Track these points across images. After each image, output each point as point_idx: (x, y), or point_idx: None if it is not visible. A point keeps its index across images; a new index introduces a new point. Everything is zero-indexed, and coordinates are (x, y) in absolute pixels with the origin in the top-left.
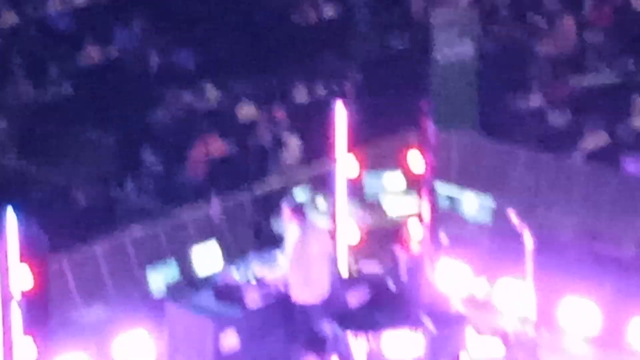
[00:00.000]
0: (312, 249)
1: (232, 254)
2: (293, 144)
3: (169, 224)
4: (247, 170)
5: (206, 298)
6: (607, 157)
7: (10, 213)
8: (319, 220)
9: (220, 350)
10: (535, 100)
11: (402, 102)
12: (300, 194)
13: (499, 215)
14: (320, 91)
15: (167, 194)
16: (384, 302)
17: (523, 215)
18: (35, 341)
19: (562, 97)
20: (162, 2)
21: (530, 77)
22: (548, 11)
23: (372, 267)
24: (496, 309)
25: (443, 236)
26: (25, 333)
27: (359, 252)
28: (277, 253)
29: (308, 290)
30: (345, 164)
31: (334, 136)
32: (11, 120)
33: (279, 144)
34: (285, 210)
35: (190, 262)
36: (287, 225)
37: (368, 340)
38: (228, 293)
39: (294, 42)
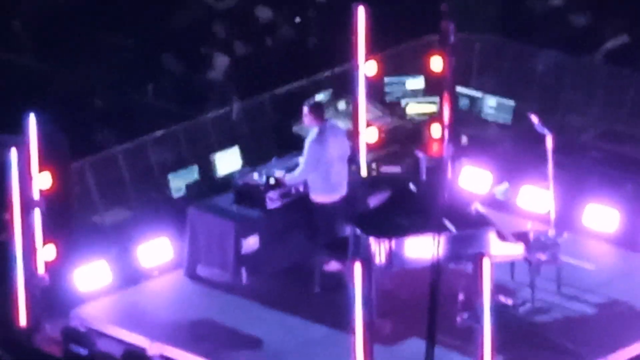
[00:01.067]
0: (331, 149)
1: (253, 157)
2: (311, 46)
3: (189, 127)
4: (269, 71)
5: (227, 200)
6: (628, 58)
7: (31, 118)
8: (339, 121)
9: (241, 251)
10: (556, 1)
11: (423, 5)
12: (321, 96)
13: (519, 116)
14: None
15: (188, 97)
16: (405, 204)
17: (544, 117)
18: (57, 246)
19: None
20: None
21: None
22: None
23: (392, 168)
24: (517, 210)
25: (463, 137)
26: (47, 237)
27: (378, 152)
28: (298, 157)
29: (327, 190)
30: (365, 66)
31: (355, 39)
32: (26, 22)
33: (299, 44)
34: (305, 110)
35: (211, 166)
36: (307, 126)
37: (390, 245)
38: (248, 195)
39: None
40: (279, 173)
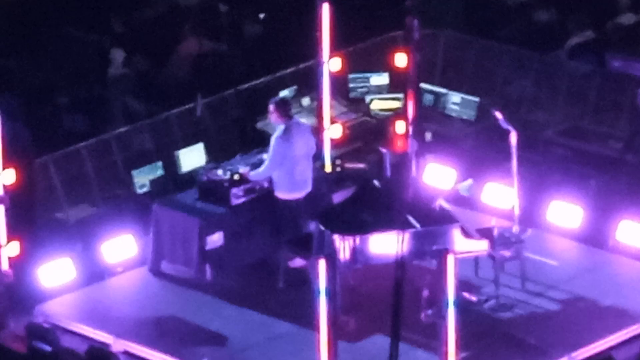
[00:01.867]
0: (297, 147)
1: (217, 153)
2: (276, 42)
3: (153, 124)
4: (233, 67)
5: (191, 196)
6: (592, 54)
7: None
8: (304, 117)
9: (205, 248)
10: None
11: (387, 1)
12: (286, 92)
13: (483, 112)
14: None
15: (152, 94)
16: (369, 200)
17: (508, 113)
18: (21, 242)
19: None
20: None
21: None
22: None
23: (356, 164)
24: (481, 207)
25: (427, 133)
26: (11, 234)
27: (343, 148)
28: (262, 153)
29: (292, 188)
30: (330, 62)
31: (320, 35)
32: None
33: (264, 41)
34: (271, 107)
35: (175, 162)
36: (274, 123)
37: (354, 241)
38: (212, 191)
39: None
40: (243, 169)
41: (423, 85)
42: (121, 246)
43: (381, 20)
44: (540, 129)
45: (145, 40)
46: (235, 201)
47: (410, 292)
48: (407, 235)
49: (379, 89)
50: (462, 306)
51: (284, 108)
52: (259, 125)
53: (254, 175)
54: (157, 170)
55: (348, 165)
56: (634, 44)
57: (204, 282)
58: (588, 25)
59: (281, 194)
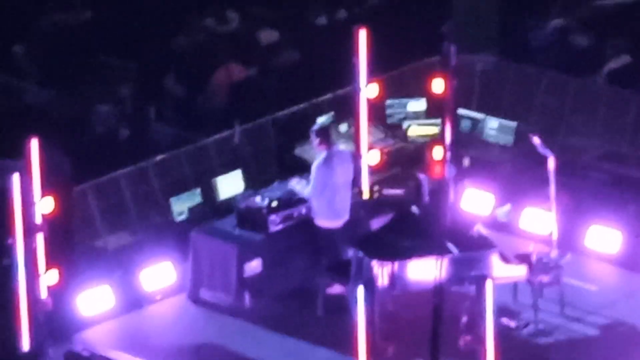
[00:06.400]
0: (338, 175)
1: (255, 180)
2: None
3: (192, 151)
4: (270, 94)
5: (229, 223)
6: (629, 79)
7: (34, 143)
8: (341, 144)
9: (244, 275)
10: (557, 23)
11: (424, 27)
12: (323, 118)
13: (521, 137)
14: (342, 15)
15: (190, 121)
16: (407, 226)
17: (546, 138)
18: (59, 270)
19: (584, 18)
20: None
21: None
22: None
23: (394, 190)
24: (519, 232)
25: (465, 159)
26: (50, 262)
27: (380, 175)
28: (300, 180)
29: (332, 216)
30: (367, 89)
31: (357, 62)
32: (29, 48)
33: (300, 67)
34: (313, 135)
35: (213, 190)
36: (315, 150)
37: (393, 267)
38: (250, 218)
39: None
40: (294, 182)
41: (460, 110)
42: (160, 274)
43: (418, 46)
44: (578, 154)
45: (182, 68)
46: (273, 228)
47: (448, 318)
48: (445, 261)
49: (416, 115)
50: (501, 332)
51: (325, 136)
52: (297, 152)
53: (304, 190)
54: (195, 197)
55: (386, 191)
56: None
57: (243, 309)
58: (625, 49)
59: (321, 222)
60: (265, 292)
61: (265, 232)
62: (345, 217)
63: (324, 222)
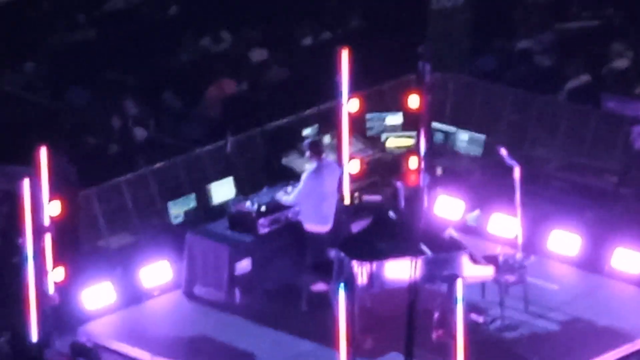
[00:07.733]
0: (327, 184)
1: (246, 187)
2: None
3: (187, 159)
4: (260, 108)
5: (221, 226)
6: (588, 96)
7: (42, 151)
8: (325, 154)
9: (234, 273)
10: (523, 44)
11: (401, 48)
12: (308, 130)
13: (489, 149)
14: (326, 36)
15: (186, 132)
16: (385, 230)
17: (512, 150)
18: (65, 268)
19: (548, 41)
20: None
21: (518, 22)
22: None
23: (373, 197)
24: (487, 235)
25: (438, 168)
26: (57, 260)
27: (360, 182)
28: (288, 187)
29: (319, 221)
30: (349, 103)
31: (339, 79)
32: (39, 63)
33: (287, 84)
34: (306, 146)
35: (207, 195)
36: (307, 160)
37: (371, 267)
38: (241, 221)
39: None
40: (281, 194)
41: (434, 124)
42: (158, 271)
43: (395, 65)
44: (541, 164)
45: (180, 83)
46: (262, 230)
47: (422, 313)
48: (419, 262)
49: (393, 128)
50: (470, 327)
51: (316, 148)
52: (284, 161)
53: (285, 199)
54: (190, 202)
55: (365, 197)
56: (626, 86)
57: (234, 305)
58: (585, 69)
59: (309, 226)
60: (254, 289)
61: (254, 234)
62: (331, 223)
63: (312, 226)
